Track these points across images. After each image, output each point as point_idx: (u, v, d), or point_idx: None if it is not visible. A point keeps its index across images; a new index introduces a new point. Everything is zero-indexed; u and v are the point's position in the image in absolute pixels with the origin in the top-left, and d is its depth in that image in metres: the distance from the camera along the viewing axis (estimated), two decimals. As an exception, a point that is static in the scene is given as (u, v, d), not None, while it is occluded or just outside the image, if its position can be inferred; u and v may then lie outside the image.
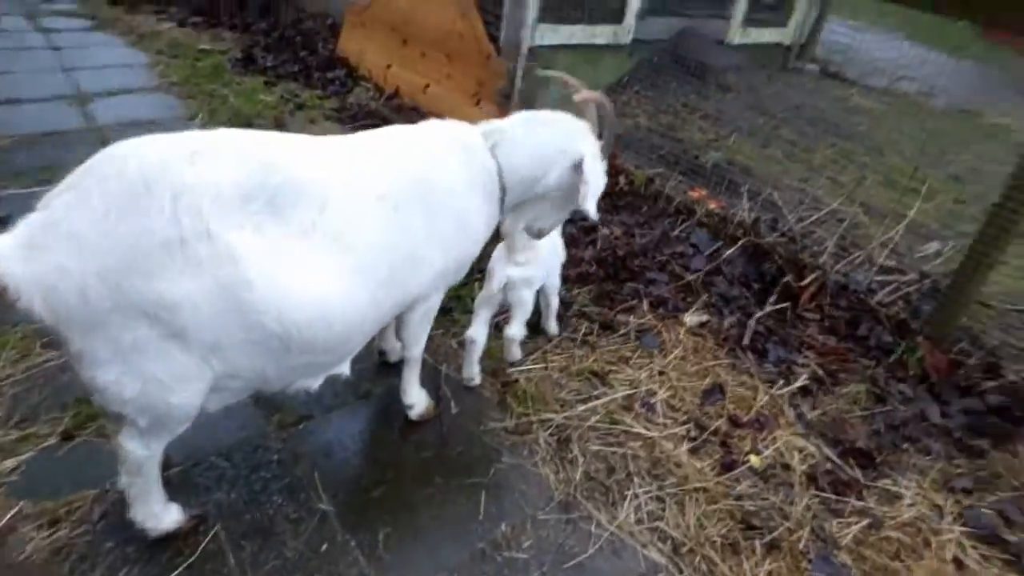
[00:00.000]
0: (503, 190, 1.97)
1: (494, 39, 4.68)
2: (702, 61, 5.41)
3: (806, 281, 3.11)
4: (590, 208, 1.97)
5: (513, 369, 2.56)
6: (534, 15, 4.50)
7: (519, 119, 2.04)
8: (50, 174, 3.34)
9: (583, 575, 1.87)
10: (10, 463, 1.88)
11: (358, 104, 5.09)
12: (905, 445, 2.51)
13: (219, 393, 1.57)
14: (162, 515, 1.71)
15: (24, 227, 1.30)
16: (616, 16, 5.11)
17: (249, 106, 4.70)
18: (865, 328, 3.02)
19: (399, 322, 2.06)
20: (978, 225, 2.79)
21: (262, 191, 1.45)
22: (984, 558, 2.09)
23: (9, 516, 1.73)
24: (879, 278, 3.22)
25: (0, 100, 4.24)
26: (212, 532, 1.78)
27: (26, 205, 2.60)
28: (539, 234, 2.26)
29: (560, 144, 1.98)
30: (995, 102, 7.62)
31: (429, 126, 1.95)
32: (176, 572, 1.67)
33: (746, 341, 2.85)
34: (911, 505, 2.24)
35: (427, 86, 5.10)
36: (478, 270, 2.62)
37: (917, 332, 2.93)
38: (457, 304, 2.86)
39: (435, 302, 2.06)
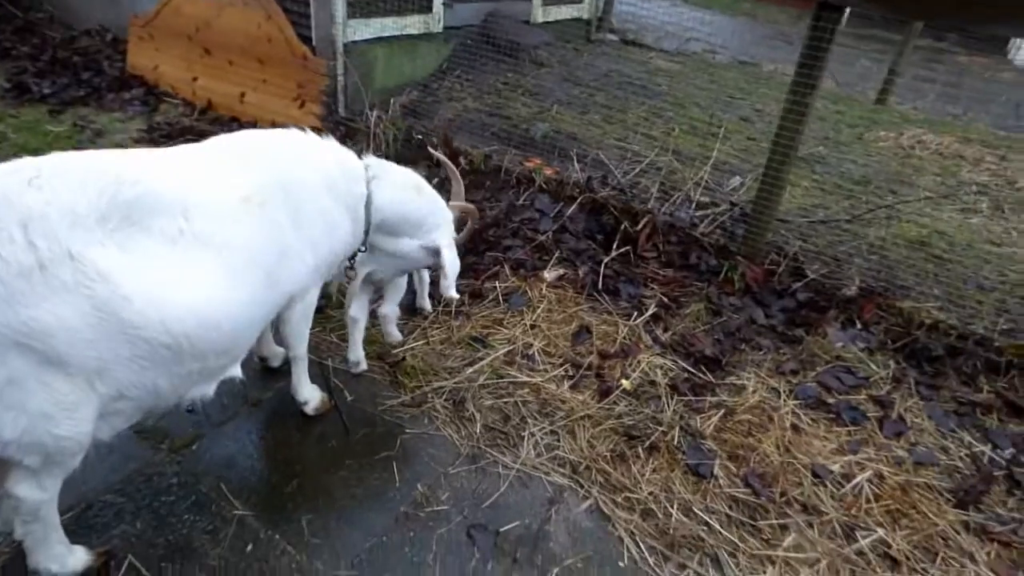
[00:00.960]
0: (368, 220, 2.11)
1: (306, 39, 4.64)
2: (514, 40, 5.74)
3: (640, 225, 3.51)
4: (451, 293, 2.30)
5: (397, 349, 2.66)
6: (342, 11, 4.52)
7: (406, 173, 2.26)
8: None
9: (499, 511, 2.06)
10: None
11: (168, 122, 4.78)
12: (742, 346, 2.97)
13: (109, 419, 1.52)
14: (67, 558, 1.63)
15: None
16: (424, 5, 5.26)
17: (36, 140, 4.24)
18: (694, 257, 3.49)
19: (280, 322, 2.08)
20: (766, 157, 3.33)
21: (117, 206, 1.43)
22: (814, 421, 2.58)
23: None
24: (698, 213, 3.73)
25: None
26: (125, 563, 1.72)
27: None
28: (378, 282, 2.47)
29: (425, 219, 2.26)
30: (767, 53, 8.85)
31: (292, 132, 1.99)
32: (98, 609, 1.61)
33: (600, 285, 3.18)
34: (754, 392, 2.67)
35: (243, 94, 4.91)
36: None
37: (735, 253, 3.45)
38: (329, 301, 2.89)
39: (312, 298, 2.11)
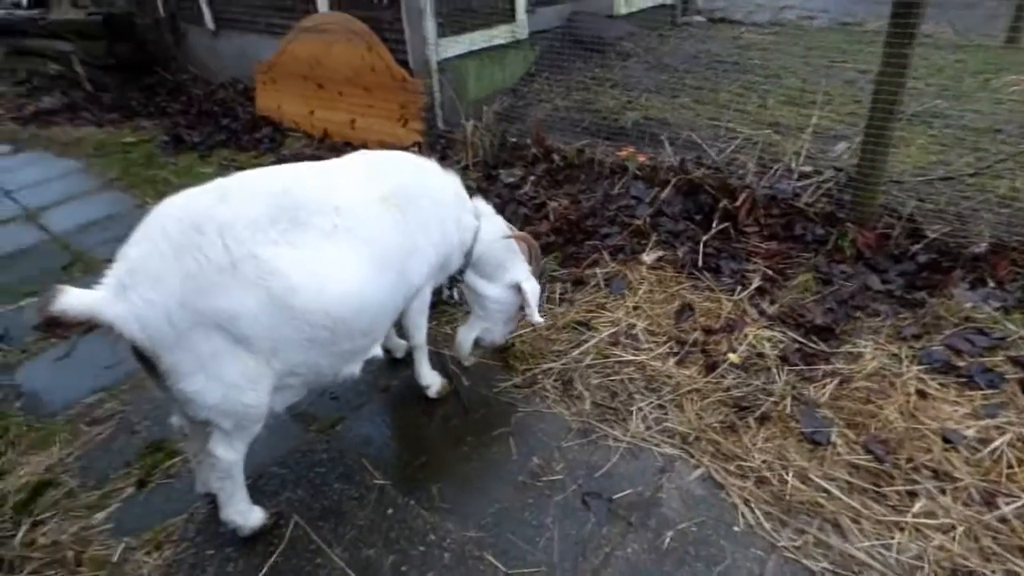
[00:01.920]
0: (472, 246, 2.39)
1: (403, 63, 4.98)
2: (598, 35, 5.80)
3: (739, 201, 3.47)
4: (536, 318, 2.46)
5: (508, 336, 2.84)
6: (433, 32, 4.82)
7: (500, 221, 2.53)
8: (30, 287, 3.51)
9: (612, 479, 2.16)
10: (101, 515, 2.12)
11: (293, 154, 5.31)
12: (857, 314, 2.87)
13: (282, 392, 1.85)
14: (248, 514, 1.96)
15: (111, 277, 1.58)
16: (508, 15, 5.47)
17: (192, 180, 4.86)
18: (799, 228, 3.40)
19: (402, 315, 2.32)
20: (871, 115, 3.19)
21: (285, 211, 1.75)
22: (942, 386, 2.45)
23: (121, 550, 1.98)
24: (800, 183, 3.62)
25: (-44, 236, 4.32)
26: (292, 522, 2.03)
27: (17, 320, 2.85)
28: (490, 344, 2.64)
29: (505, 260, 2.47)
30: (871, 8, 8.26)
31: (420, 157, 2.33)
32: (273, 558, 1.92)
33: (700, 264, 3.20)
34: (872, 359, 2.59)
35: (353, 121, 5.36)
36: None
37: (844, 220, 3.33)
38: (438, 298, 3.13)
39: (427, 295, 2.35)
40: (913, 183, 3.68)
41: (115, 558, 1.98)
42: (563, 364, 2.67)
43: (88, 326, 1.54)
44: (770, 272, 3.13)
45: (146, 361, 1.64)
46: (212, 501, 2.07)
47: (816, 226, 3.38)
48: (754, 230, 3.42)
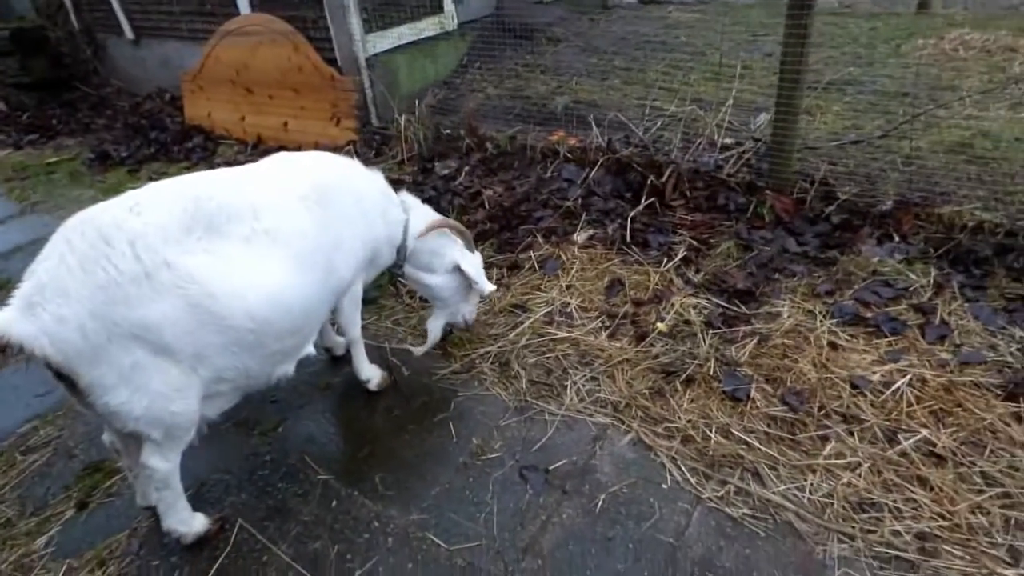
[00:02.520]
0: (403, 241, 2.48)
1: (331, 61, 4.96)
2: (527, 23, 5.87)
3: (665, 176, 3.60)
4: (487, 287, 2.58)
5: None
6: (359, 28, 4.81)
7: (428, 211, 2.63)
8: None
9: (548, 452, 2.26)
10: (41, 540, 2.11)
11: (227, 162, 5.24)
12: (776, 276, 3.03)
13: (214, 399, 1.86)
14: (191, 521, 1.98)
15: (19, 295, 1.57)
16: (435, 6, 5.49)
17: (123, 194, 4.77)
18: (722, 198, 3.55)
19: (335, 312, 2.37)
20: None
21: (200, 219, 1.75)
22: (852, 337, 2.62)
23: (62, 573, 1.99)
24: (723, 155, 3.77)
25: None
26: (237, 525, 2.07)
27: None
28: (465, 323, 2.75)
29: (436, 247, 2.56)
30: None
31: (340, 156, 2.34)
32: (219, 561, 1.96)
33: (629, 239, 3.32)
34: (788, 317, 2.74)
35: (286, 124, 5.31)
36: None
37: (763, 188, 3.49)
38: (381, 291, 3.18)
39: (358, 289, 2.39)
40: (827, 148, 3.87)
41: (58, 580, 1.98)
42: (500, 347, 2.76)
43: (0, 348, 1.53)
44: (695, 242, 3.27)
45: (65, 379, 1.63)
46: (154, 514, 2.08)
47: (737, 195, 3.53)
48: (680, 203, 3.56)
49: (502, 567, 1.91)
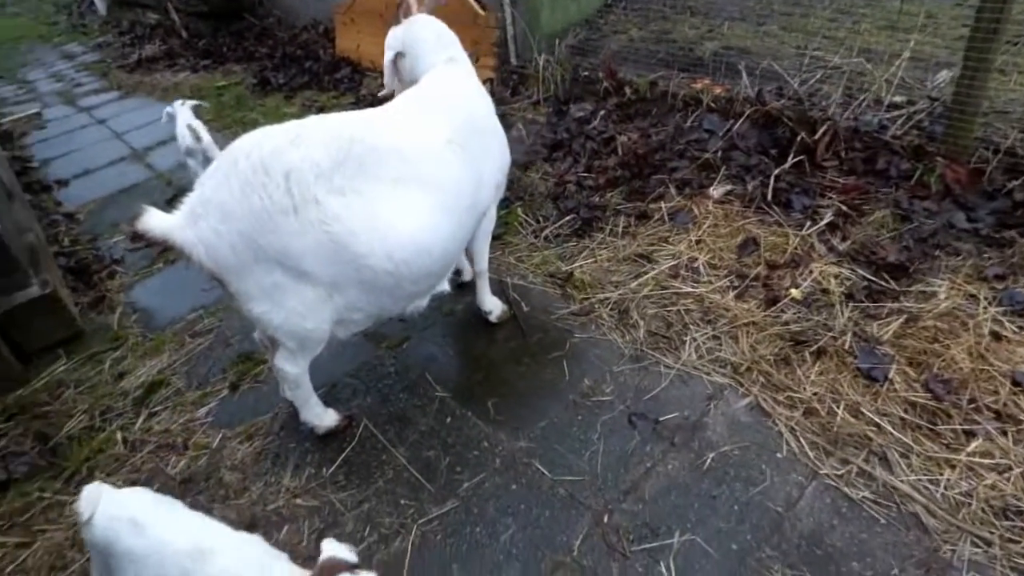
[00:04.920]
0: None
1: None
2: (683, -40, 5.50)
3: (818, 134, 3.32)
4: None
5: (568, 266, 2.92)
6: (510, -37, 4.73)
7: None
8: (140, 219, 3.87)
9: (659, 403, 2.25)
10: (202, 411, 2.46)
11: (371, 94, 5.45)
12: (936, 252, 2.74)
13: (345, 324, 2.00)
14: (323, 415, 2.20)
15: (188, 203, 1.77)
16: (586, -60, 5.26)
17: (277, 120, 5.12)
18: (883, 162, 3.22)
19: (468, 243, 2.43)
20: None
21: (351, 160, 1.82)
22: (1021, 328, 2.34)
23: (219, 439, 2.32)
24: (889, 115, 3.40)
25: (78, 174, 4.81)
26: (362, 425, 2.28)
27: (132, 248, 3.09)
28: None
29: None
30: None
31: (448, 72, 2.28)
32: (346, 452, 2.18)
33: (770, 198, 3.11)
34: (946, 299, 2.48)
35: (428, 58, 5.39)
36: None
37: (934, 153, 3.12)
38: (507, 228, 3.23)
39: (492, 215, 2.46)
40: (1019, 113, 3.37)
41: (214, 444, 2.30)
42: (620, 294, 2.73)
43: (165, 245, 1.73)
44: (844, 208, 3.01)
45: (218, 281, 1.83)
46: (293, 405, 2.33)
47: (901, 160, 3.19)
48: (832, 164, 3.27)
49: (602, 503, 1.95)
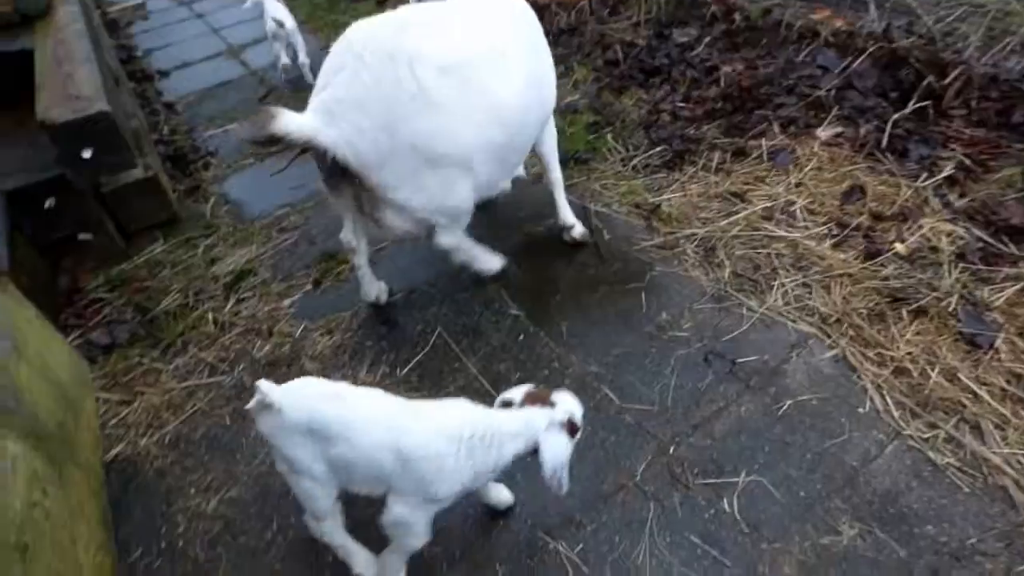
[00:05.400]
0: None
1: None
2: None
3: (949, 79, 3.00)
4: None
5: (655, 198, 2.82)
6: None
7: None
8: (234, 115, 3.96)
9: (738, 345, 2.18)
10: (287, 302, 2.57)
11: None
12: (1067, 220, 2.48)
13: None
14: (492, 260, 2.32)
15: (319, 103, 1.80)
16: None
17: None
18: (1020, 115, 2.90)
19: (538, 144, 2.44)
20: None
21: (460, 43, 1.91)
22: None
23: (301, 329, 2.42)
24: (1036, 63, 3.03)
25: (177, 66, 4.93)
26: (436, 332, 2.32)
27: (224, 141, 3.24)
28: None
29: None
30: None
31: None
32: (419, 356, 2.25)
33: (884, 144, 2.87)
34: (1072, 271, 2.27)
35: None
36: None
37: (1083, 111, 2.78)
38: (595, 154, 3.13)
39: (553, 124, 2.49)
40: None
41: (297, 334, 2.41)
42: (708, 231, 2.62)
43: (303, 148, 1.78)
44: (968, 162, 2.75)
45: (336, 180, 1.90)
46: (375, 306, 2.42)
47: (1043, 115, 2.86)
48: (960, 114, 2.97)
49: (670, 435, 1.94)
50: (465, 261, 2.26)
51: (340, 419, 1.44)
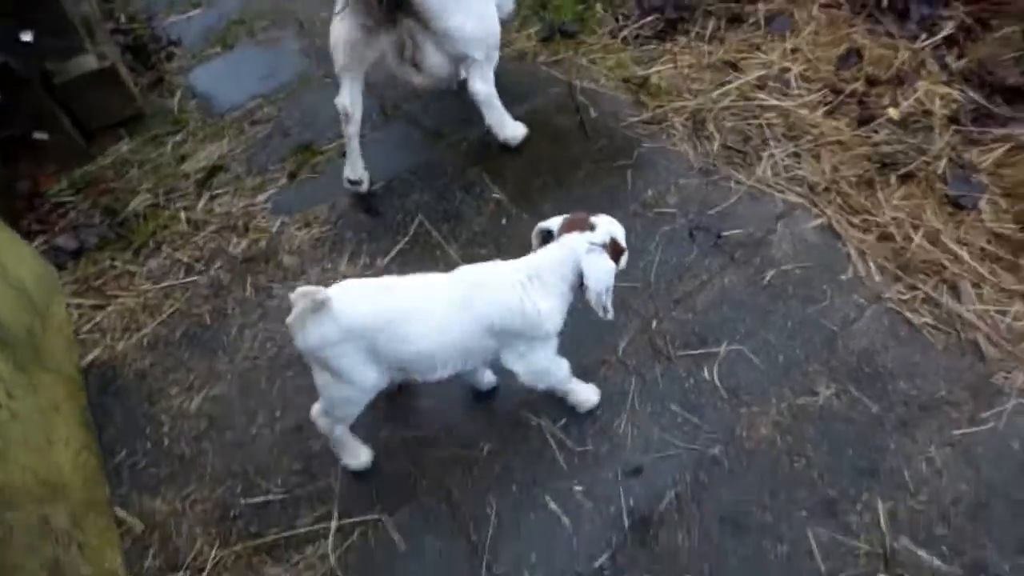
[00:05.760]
0: None
1: None
2: None
3: (959, -74, 2.77)
4: None
5: (645, 71, 2.68)
6: None
7: None
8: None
9: (725, 218, 2.16)
10: (262, 197, 2.51)
11: None
12: (1065, 78, 2.39)
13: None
14: (517, 129, 2.42)
15: None
16: None
17: None
18: (1029, -34, 2.71)
19: None
20: None
21: None
22: None
23: (278, 224, 2.38)
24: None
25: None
26: (416, 219, 2.29)
27: (188, 29, 2.81)
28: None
29: None
30: None
31: None
32: (400, 245, 2.24)
33: (885, 4, 2.70)
34: (1063, 129, 2.21)
35: None
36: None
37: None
38: (583, 25, 2.95)
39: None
40: None
41: (274, 229, 2.37)
42: (698, 103, 2.52)
43: None
44: (969, 21, 2.60)
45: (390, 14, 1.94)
46: (353, 195, 2.37)
47: (1054, -35, 2.67)
48: (967, -34, 2.78)
49: (652, 310, 1.96)
50: (494, 123, 2.33)
51: (405, 311, 1.41)
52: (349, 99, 2.16)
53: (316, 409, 1.58)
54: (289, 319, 1.38)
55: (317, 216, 2.37)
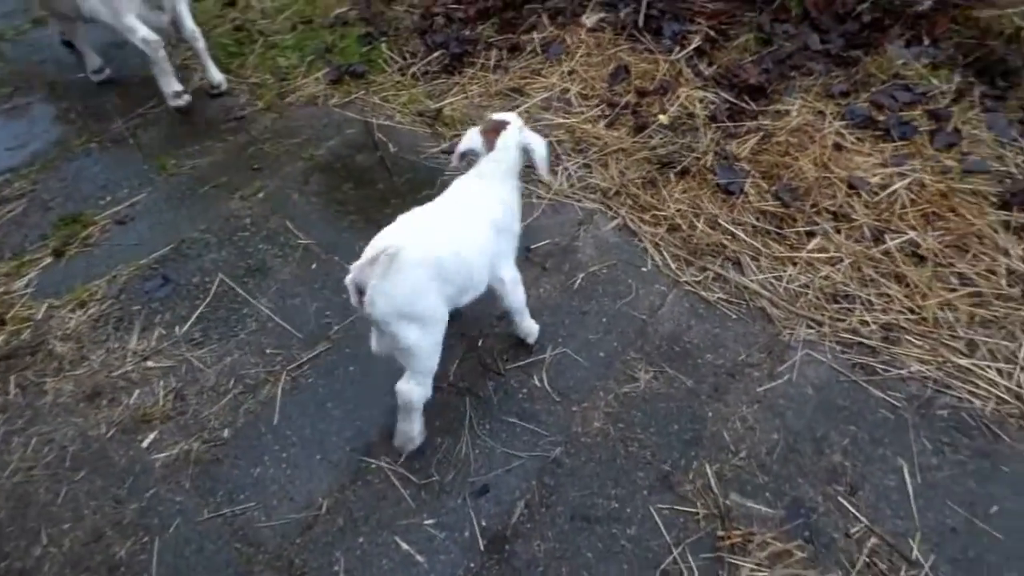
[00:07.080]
0: None
1: None
2: None
3: (687, -44, 3.20)
4: None
5: (437, 104, 2.74)
6: None
7: None
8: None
9: (532, 232, 2.24)
10: (20, 283, 2.17)
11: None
12: (791, 73, 2.82)
13: None
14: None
15: None
16: None
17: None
18: (748, -15, 3.19)
19: None
20: None
21: None
22: (859, 139, 2.49)
23: (44, 308, 2.06)
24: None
25: None
26: (217, 279, 2.10)
27: None
28: None
29: None
30: None
31: None
32: (200, 310, 2.03)
33: (641, 24, 3.02)
34: (797, 116, 2.59)
35: None
36: None
37: (795, -23, 3.11)
38: (371, 66, 2.96)
39: None
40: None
41: (39, 316, 2.05)
42: (491, 129, 2.61)
43: None
44: (712, 33, 2.99)
45: None
46: (132, 266, 2.13)
47: (766, -16, 3.17)
48: (701, -11, 3.20)
49: (476, 331, 1.97)
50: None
51: (455, 233, 1.56)
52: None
53: (404, 385, 1.58)
54: (368, 290, 1.43)
55: (93, 293, 2.09)
